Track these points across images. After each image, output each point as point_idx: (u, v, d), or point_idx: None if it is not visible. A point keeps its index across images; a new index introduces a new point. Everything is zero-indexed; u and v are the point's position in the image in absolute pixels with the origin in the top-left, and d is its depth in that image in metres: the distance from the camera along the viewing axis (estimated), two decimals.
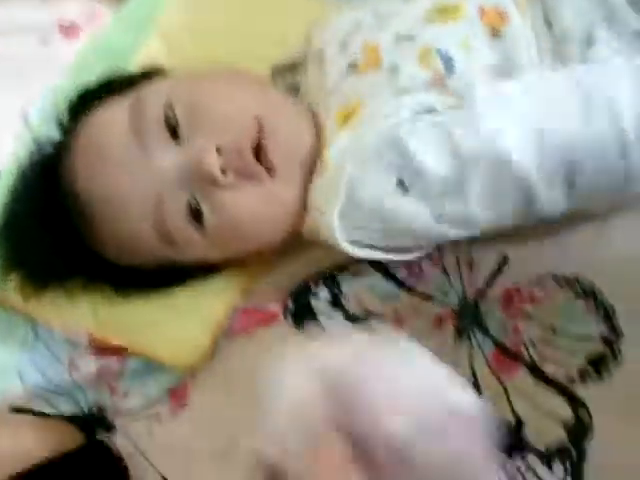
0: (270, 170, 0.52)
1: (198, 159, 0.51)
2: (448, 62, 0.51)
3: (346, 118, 0.52)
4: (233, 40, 0.69)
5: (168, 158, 0.52)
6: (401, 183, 0.47)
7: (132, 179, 0.52)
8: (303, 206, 0.53)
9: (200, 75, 0.58)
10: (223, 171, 0.51)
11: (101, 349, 0.62)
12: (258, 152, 0.52)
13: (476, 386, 0.56)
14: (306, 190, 0.53)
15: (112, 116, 0.55)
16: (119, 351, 0.62)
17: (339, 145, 0.51)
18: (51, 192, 0.56)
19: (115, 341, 0.60)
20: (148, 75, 0.61)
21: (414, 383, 0.36)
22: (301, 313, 0.61)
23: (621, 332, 0.55)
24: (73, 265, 0.58)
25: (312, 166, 0.53)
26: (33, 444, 0.58)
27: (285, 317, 0.62)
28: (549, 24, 0.51)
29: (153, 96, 0.54)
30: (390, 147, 0.47)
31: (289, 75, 0.61)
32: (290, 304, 0.61)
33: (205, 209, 0.52)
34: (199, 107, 0.52)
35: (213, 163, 0.50)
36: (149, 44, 0.72)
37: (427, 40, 0.52)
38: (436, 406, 0.35)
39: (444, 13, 0.53)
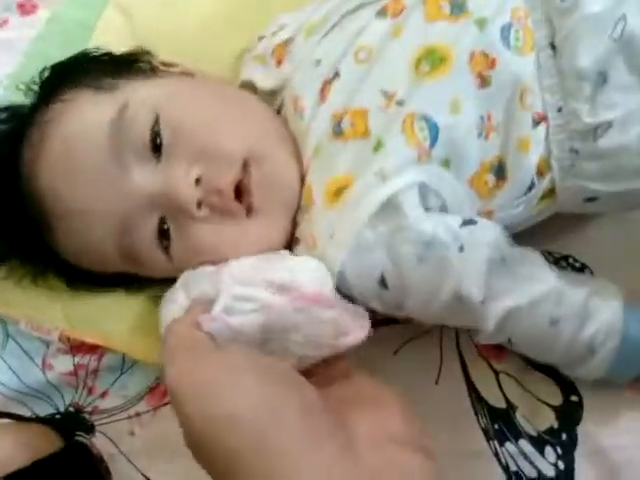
0: (248, 209, 0.50)
1: (174, 187, 0.48)
2: (434, 131, 0.48)
3: (336, 195, 0.49)
4: (198, 9, 0.66)
5: (145, 178, 0.49)
6: (383, 281, 0.49)
7: (104, 195, 0.49)
8: (280, 244, 0.52)
9: (195, 92, 0.54)
10: (199, 203, 0.49)
11: (76, 347, 0.60)
12: (239, 189, 0.50)
13: (464, 370, 0.55)
14: (284, 229, 0.52)
15: (90, 121, 0.51)
16: (94, 348, 0.59)
17: (329, 223, 0.49)
18: (8, 177, 0.53)
19: (88, 338, 0.58)
20: (132, 59, 0.57)
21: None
22: None
23: None
24: (25, 253, 0.56)
25: (293, 205, 0.52)
26: (11, 449, 0.56)
27: None
28: (555, 52, 0.49)
29: (140, 108, 0.50)
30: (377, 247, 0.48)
31: (269, 99, 0.57)
32: None
33: (174, 236, 0.50)
34: (187, 131, 0.49)
35: (189, 195, 0.48)
36: (107, 16, 0.69)
37: (415, 107, 0.48)
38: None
39: (433, 65, 0.49)
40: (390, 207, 0.47)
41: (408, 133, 0.48)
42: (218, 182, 0.49)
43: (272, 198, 0.51)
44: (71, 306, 0.58)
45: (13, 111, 0.58)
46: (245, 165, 0.50)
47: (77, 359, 0.60)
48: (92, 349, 0.59)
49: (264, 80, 0.56)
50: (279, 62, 0.56)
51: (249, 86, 0.58)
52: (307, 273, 0.47)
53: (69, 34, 0.68)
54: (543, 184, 0.50)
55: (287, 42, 0.56)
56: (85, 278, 0.56)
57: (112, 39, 0.66)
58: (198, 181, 0.49)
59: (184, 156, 0.49)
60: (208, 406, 0.39)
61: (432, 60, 0.49)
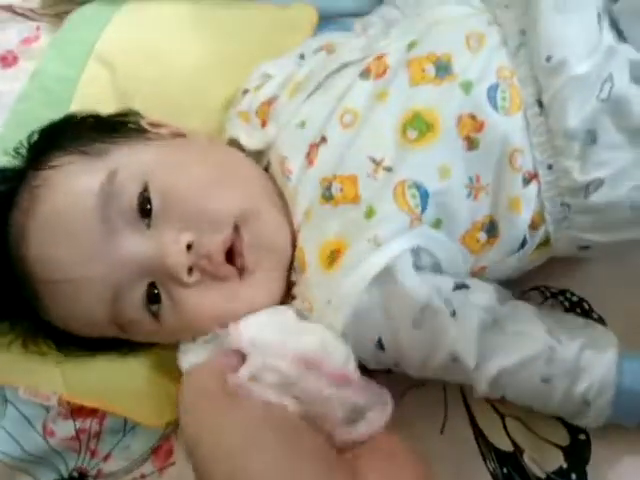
0: (240, 271, 0.50)
1: (165, 253, 0.48)
2: (424, 198, 0.48)
3: (330, 259, 0.49)
4: (181, 63, 0.66)
5: (135, 247, 0.49)
6: (380, 344, 0.50)
7: (93, 263, 0.49)
8: (279, 295, 0.52)
9: (184, 157, 0.53)
10: (190, 269, 0.49)
11: (76, 410, 0.59)
12: (231, 252, 0.50)
13: (470, 414, 0.55)
14: (277, 289, 0.52)
15: (80, 187, 0.50)
16: (95, 411, 0.59)
17: (326, 289, 0.49)
18: None
19: (87, 403, 0.57)
20: (121, 121, 0.57)
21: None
22: None
23: None
24: (14, 317, 0.55)
25: (285, 264, 0.52)
26: None
27: None
28: (543, 110, 0.49)
29: (129, 174, 0.50)
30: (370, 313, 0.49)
31: (256, 156, 0.57)
32: None
33: (164, 301, 0.50)
34: (176, 196, 0.49)
35: (180, 262, 0.48)
36: (90, 70, 0.68)
37: (405, 174, 0.49)
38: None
39: (420, 132, 0.49)
40: (384, 273, 0.47)
41: (400, 201, 0.48)
42: (209, 248, 0.49)
43: (264, 258, 0.50)
44: (69, 368, 0.57)
45: (2, 175, 0.57)
46: (236, 228, 0.50)
47: (78, 423, 0.59)
48: (93, 412, 0.59)
49: (249, 141, 0.56)
50: (264, 123, 0.56)
51: (235, 144, 0.58)
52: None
53: (53, 91, 0.68)
54: (537, 237, 0.50)
55: (271, 101, 0.56)
56: (74, 342, 0.55)
57: (96, 93, 0.67)
58: (189, 247, 0.48)
59: (174, 222, 0.49)
60: (222, 451, 0.39)
61: (419, 126, 0.49)
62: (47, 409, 0.59)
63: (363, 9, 0.71)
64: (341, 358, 0.47)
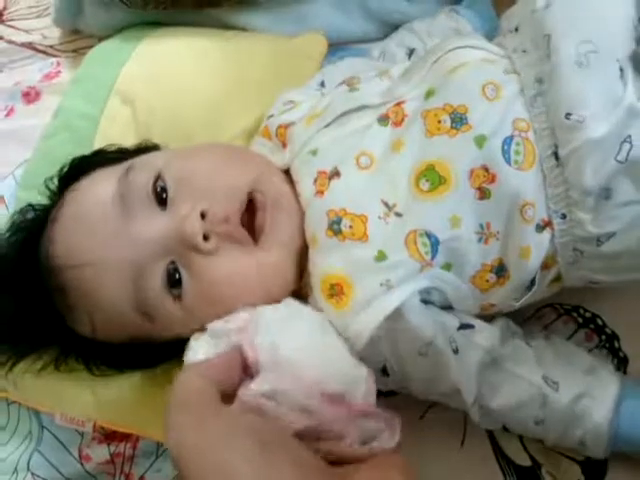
0: (257, 233, 0.51)
1: (180, 223, 0.50)
2: (435, 245, 0.49)
3: (331, 293, 0.50)
4: (197, 95, 0.68)
5: (152, 226, 0.50)
6: (384, 370, 0.52)
7: (113, 249, 0.50)
8: (292, 275, 0.53)
9: (196, 148, 0.57)
10: (206, 237, 0.50)
11: (110, 435, 0.62)
12: (246, 216, 0.52)
13: (489, 431, 0.57)
14: (294, 257, 0.52)
15: (99, 184, 0.54)
16: (129, 435, 0.61)
17: (335, 322, 0.50)
18: (27, 269, 0.55)
19: (121, 428, 0.60)
20: (143, 150, 0.60)
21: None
22: None
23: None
24: (45, 339, 0.57)
25: (300, 230, 0.53)
26: None
27: None
28: (559, 163, 0.49)
29: (144, 165, 0.53)
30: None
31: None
32: None
33: (184, 276, 0.50)
34: (190, 176, 0.52)
35: (195, 228, 0.49)
36: (111, 106, 0.71)
37: (417, 222, 0.50)
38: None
39: (432, 184, 0.50)
40: (393, 311, 0.49)
41: (411, 248, 0.50)
42: (225, 211, 0.50)
43: (279, 220, 0.52)
44: (102, 394, 0.59)
45: (35, 211, 0.60)
46: (250, 194, 0.52)
47: (112, 447, 0.62)
48: (126, 436, 0.61)
49: (272, 160, 0.58)
50: (284, 145, 0.58)
51: None
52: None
53: (76, 128, 0.70)
54: (548, 277, 0.52)
55: (288, 125, 0.58)
56: (103, 357, 0.57)
57: (118, 130, 0.70)
58: (204, 216, 0.50)
59: (189, 198, 0.51)
60: (207, 467, 0.38)
61: (432, 178, 0.50)
62: (82, 434, 0.62)
63: (371, 35, 0.74)
64: (362, 390, 0.47)
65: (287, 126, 0.58)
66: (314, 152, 0.55)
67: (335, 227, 0.51)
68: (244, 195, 0.51)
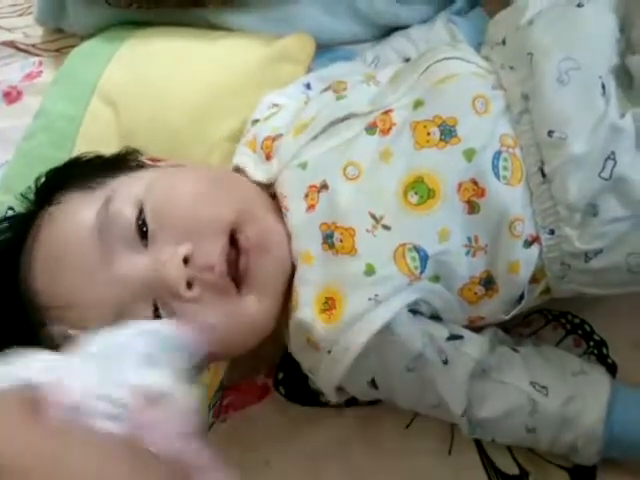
0: (239, 282, 0.50)
1: (162, 268, 0.48)
2: (424, 260, 0.49)
3: (324, 307, 0.50)
4: (182, 97, 0.67)
5: (133, 266, 0.49)
6: (373, 383, 0.52)
7: (94, 290, 0.49)
8: (272, 322, 0.52)
9: (178, 174, 0.54)
10: (189, 283, 0.48)
11: None
12: (231, 253, 0.50)
13: (476, 440, 0.56)
14: (275, 304, 0.52)
15: (77, 215, 0.51)
16: None
17: (326, 340, 0.50)
18: (9, 286, 0.53)
19: None
20: (122, 158, 0.58)
21: None
22: (291, 381, 0.60)
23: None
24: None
25: (285, 274, 0.52)
26: None
27: (276, 388, 0.61)
28: (546, 179, 0.49)
29: (123, 197, 0.50)
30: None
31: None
32: (279, 374, 0.60)
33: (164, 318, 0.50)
34: (171, 208, 0.49)
35: (178, 278, 0.47)
36: (93, 107, 0.70)
37: (405, 236, 0.49)
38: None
39: (421, 198, 0.49)
40: (382, 326, 0.49)
41: (400, 263, 0.49)
42: (208, 258, 0.48)
43: (263, 264, 0.50)
44: None
45: (12, 221, 0.58)
46: (232, 235, 0.50)
47: None
48: None
49: (255, 173, 0.57)
50: (268, 157, 0.56)
51: (241, 172, 0.58)
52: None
53: (57, 130, 0.70)
54: (537, 290, 0.52)
55: (276, 137, 0.57)
56: None
57: (99, 131, 0.69)
58: (186, 260, 0.48)
59: (170, 237, 0.49)
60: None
61: (420, 191, 0.49)
62: None
63: (360, 36, 0.73)
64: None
65: (274, 138, 0.57)
66: (303, 166, 0.54)
67: (329, 241, 0.51)
68: (227, 235, 0.50)
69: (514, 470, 0.55)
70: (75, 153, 0.67)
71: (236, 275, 0.50)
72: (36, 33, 0.84)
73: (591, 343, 0.57)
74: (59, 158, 0.66)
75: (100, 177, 0.54)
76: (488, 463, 0.55)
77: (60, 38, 0.83)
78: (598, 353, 0.57)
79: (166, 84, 0.68)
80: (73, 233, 0.50)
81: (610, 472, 0.53)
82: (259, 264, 0.50)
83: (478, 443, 0.56)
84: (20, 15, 0.87)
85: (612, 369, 0.56)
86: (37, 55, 0.83)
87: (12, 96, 0.80)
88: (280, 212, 0.54)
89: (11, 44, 0.84)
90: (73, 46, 0.77)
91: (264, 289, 0.51)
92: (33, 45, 0.83)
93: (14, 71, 0.82)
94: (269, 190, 0.57)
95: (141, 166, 0.58)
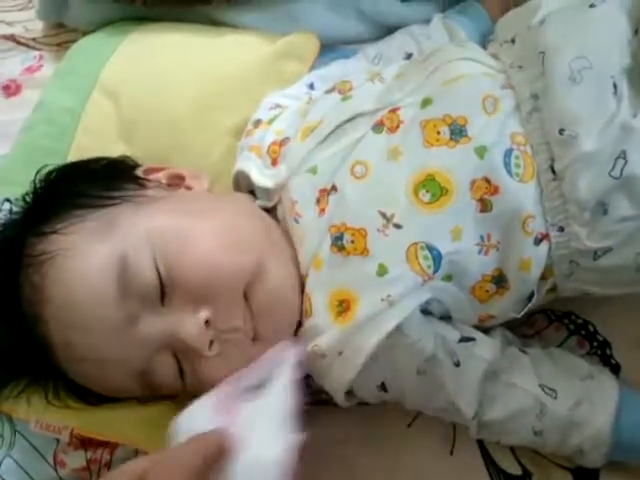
0: (254, 337, 0.51)
1: (185, 332, 0.48)
2: (437, 260, 0.49)
3: (339, 310, 0.50)
4: (184, 92, 0.67)
5: (153, 324, 0.49)
6: (383, 386, 0.52)
7: (115, 346, 0.49)
8: None
9: (187, 223, 0.52)
10: (211, 342, 0.49)
11: (87, 441, 0.59)
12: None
13: (478, 440, 0.55)
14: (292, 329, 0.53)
15: (92, 269, 0.49)
16: (106, 442, 0.59)
17: (338, 341, 0.50)
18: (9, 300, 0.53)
19: (99, 436, 0.57)
20: (119, 167, 0.58)
21: None
22: None
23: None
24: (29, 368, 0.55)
25: (295, 321, 0.53)
26: None
27: None
28: (556, 177, 0.49)
29: (140, 256, 0.49)
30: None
31: (264, 192, 0.57)
32: None
33: (186, 370, 0.51)
34: (184, 271, 0.49)
35: (202, 339, 0.48)
36: (94, 100, 0.69)
37: (417, 235, 0.49)
38: None
39: (433, 195, 0.49)
40: (394, 328, 0.49)
41: (413, 262, 0.49)
42: (232, 321, 0.49)
43: (275, 321, 0.51)
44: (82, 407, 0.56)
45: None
46: (245, 295, 0.50)
47: (89, 454, 0.59)
48: (104, 442, 0.59)
49: (260, 179, 0.56)
50: (274, 162, 0.56)
51: (243, 176, 0.58)
52: None
53: (57, 122, 0.68)
54: (545, 287, 0.52)
55: (283, 142, 0.56)
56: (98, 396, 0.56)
57: (100, 124, 0.68)
58: (207, 322, 0.49)
59: (187, 296, 0.49)
60: None
61: (432, 189, 0.49)
62: (57, 440, 0.59)
63: (364, 36, 0.73)
64: None
65: (281, 143, 0.57)
66: (314, 170, 0.54)
67: (339, 243, 0.50)
68: (242, 299, 0.50)
69: (517, 470, 0.54)
70: (75, 145, 0.67)
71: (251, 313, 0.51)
72: (37, 27, 0.83)
73: (594, 344, 0.57)
74: (58, 150, 0.67)
75: (100, 206, 0.53)
76: (490, 463, 0.55)
77: (61, 33, 0.82)
78: (601, 354, 0.57)
79: (169, 77, 0.67)
80: (92, 294, 0.49)
81: (613, 473, 0.52)
82: (272, 322, 0.51)
83: (480, 443, 0.55)
84: (21, 9, 0.86)
85: (615, 369, 0.55)
86: (37, 49, 0.82)
87: (11, 89, 0.79)
88: (288, 239, 0.54)
89: (11, 38, 0.83)
90: (74, 41, 0.77)
91: (277, 337, 0.51)
92: (34, 39, 0.83)
93: (14, 65, 0.81)
94: (273, 197, 0.56)
95: (142, 185, 0.56)
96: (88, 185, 0.55)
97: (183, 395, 0.52)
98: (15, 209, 0.60)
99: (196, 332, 0.48)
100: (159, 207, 0.53)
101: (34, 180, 0.57)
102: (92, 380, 0.53)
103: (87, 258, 0.50)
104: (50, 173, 0.58)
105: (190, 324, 0.48)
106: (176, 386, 0.52)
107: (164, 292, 0.49)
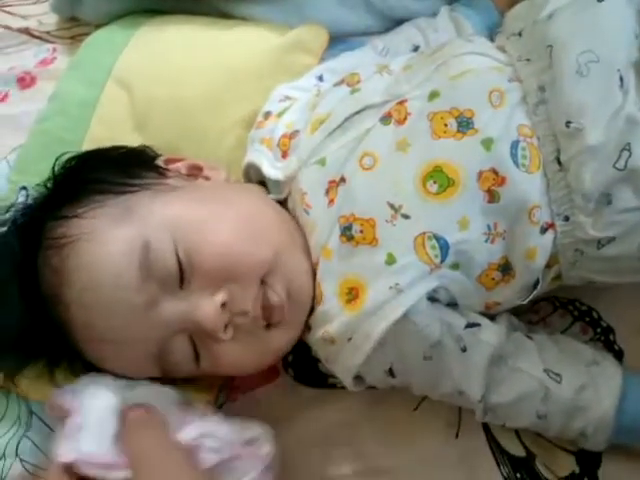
0: (268, 324, 0.53)
1: (203, 314, 0.50)
2: (445, 249, 0.50)
3: (349, 297, 0.51)
4: (196, 83, 0.68)
5: (172, 307, 0.51)
6: (391, 372, 0.53)
7: (135, 328, 0.51)
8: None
9: (206, 212, 0.53)
10: (225, 325, 0.51)
11: None
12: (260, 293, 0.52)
13: (483, 422, 0.57)
14: (299, 333, 0.55)
15: (114, 254, 0.50)
16: None
17: (347, 326, 0.51)
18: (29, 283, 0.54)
19: None
20: (138, 156, 0.59)
21: None
22: (301, 363, 0.61)
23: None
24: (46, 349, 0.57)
25: (308, 308, 0.54)
26: None
27: (285, 370, 0.61)
28: (562, 168, 0.50)
29: (161, 243, 0.50)
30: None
31: (274, 184, 0.58)
32: (289, 356, 0.60)
33: (202, 354, 0.53)
34: (204, 258, 0.50)
35: (218, 323, 0.50)
36: (109, 91, 0.70)
37: (425, 225, 0.50)
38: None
39: (441, 186, 0.50)
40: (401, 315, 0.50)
41: (420, 252, 0.50)
42: (243, 304, 0.51)
43: (292, 307, 0.53)
44: None
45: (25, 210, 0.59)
46: (263, 281, 0.52)
47: None
48: None
49: (271, 171, 0.58)
50: (284, 155, 0.57)
51: (254, 168, 0.60)
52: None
53: (72, 113, 0.70)
54: (550, 275, 0.53)
55: (292, 135, 0.57)
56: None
57: (114, 114, 0.69)
58: (224, 305, 0.50)
59: (205, 281, 0.51)
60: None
61: (440, 180, 0.50)
62: None
63: (373, 29, 0.74)
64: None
65: (291, 136, 0.58)
66: (322, 162, 0.55)
67: (347, 233, 0.52)
68: (258, 282, 0.51)
69: (521, 452, 0.56)
70: (89, 136, 0.69)
71: (265, 315, 0.52)
72: (50, 21, 0.84)
73: (598, 330, 0.58)
74: (73, 140, 0.68)
75: (120, 192, 0.54)
76: (495, 445, 0.56)
77: (74, 26, 0.83)
78: (605, 340, 0.58)
79: (181, 68, 0.69)
80: (111, 273, 0.50)
81: (615, 456, 0.54)
82: (291, 309, 0.53)
83: (485, 426, 0.56)
84: (35, 3, 0.87)
85: (619, 355, 0.57)
86: (51, 42, 0.83)
87: (26, 81, 0.81)
88: (300, 230, 0.55)
89: (25, 31, 0.85)
90: (87, 34, 0.78)
91: (292, 325, 0.54)
92: (47, 32, 0.84)
93: (28, 57, 0.82)
94: (284, 189, 0.57)
95: (161, 174, 0.58)
96: (109, 172, 0.56)
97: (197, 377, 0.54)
98: (31, 197, 0.62)
99: (212, 314, 0.50)
100: (179, 195, 0.55)
101: (53, 167, 0.59)
102: (109, 361, 0.54)
103: (108, 242, 0.51)
104: (70, 160, 0.59)
105: (207, 306, 0.50)
106: (190, 369, 0.53)
107: (183, 277, 0.50)
